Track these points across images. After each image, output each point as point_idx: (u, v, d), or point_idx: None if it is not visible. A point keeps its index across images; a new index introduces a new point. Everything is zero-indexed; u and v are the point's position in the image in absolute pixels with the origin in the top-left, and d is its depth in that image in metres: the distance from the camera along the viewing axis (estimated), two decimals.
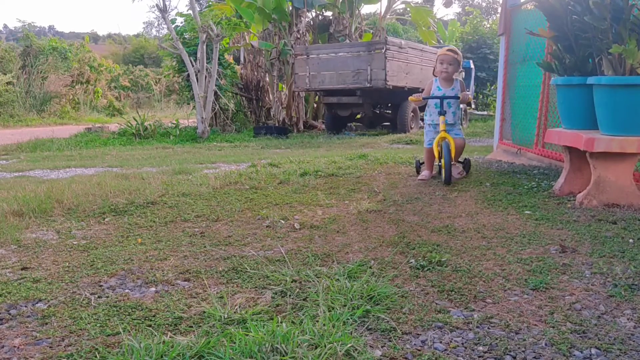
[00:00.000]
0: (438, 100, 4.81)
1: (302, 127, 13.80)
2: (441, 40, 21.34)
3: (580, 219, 3.30)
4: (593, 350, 1.68)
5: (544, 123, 5.22)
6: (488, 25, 22.76)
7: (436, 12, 25.02)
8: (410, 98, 4.84)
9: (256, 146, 9.75)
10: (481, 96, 21.43)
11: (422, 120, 15.28)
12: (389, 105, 13.16)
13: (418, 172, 5.10)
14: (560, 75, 3.86)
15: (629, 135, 3.34)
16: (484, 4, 46.72)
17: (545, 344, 1.72)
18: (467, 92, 4.95)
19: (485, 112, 18.24)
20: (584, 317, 1.93)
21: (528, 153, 5.74)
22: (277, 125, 13.07)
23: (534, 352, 1.67)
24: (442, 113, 4.71)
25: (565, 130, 3.89)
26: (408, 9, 17.12)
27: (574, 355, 1.66)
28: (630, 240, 2.82)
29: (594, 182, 3.54)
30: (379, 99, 12.35)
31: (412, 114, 12.31)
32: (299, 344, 1.64)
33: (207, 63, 11.29)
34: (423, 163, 5.22)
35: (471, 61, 16.97)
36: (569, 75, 3.76)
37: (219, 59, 12.01)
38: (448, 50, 4.87)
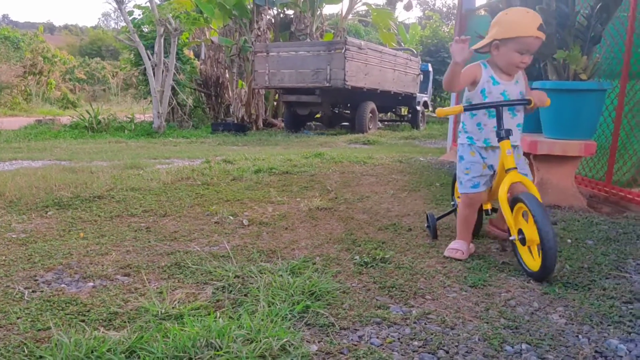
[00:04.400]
0: (511, 108, 2.58)
1: (261, 125, 13.73)
2: (402, 43, 21.60)
3: None
4: (524, 346, 1.72)
5: None
6: (447, 30, 23.17)
7: (397, 16, 25.33)
8: (438, 112, 2.50)
9: (213, 142, 9.64)
10: (439, 99, 21.82)
11: (381, 121, 15.53)
12: (348, 105, 13.24)
13: (435, 235, 2.95)
14: None
15: (571, 139, 3.44)
16: (444, 9, 47.56)
17: (478, 339, 1.76)
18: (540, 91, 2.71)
19: None
20: (518, 313, 1.98)
21: None
22: (235, 122, 12.96)
23: (467, 346, 1.71)
24: (503, 135, 2.46)
25: None
26: (370, 10, 17.25)
27: (505, 350, 1.70)
28: (569, 240, 2.91)
29: (537, 184, 3.64)
30: (338, 98, 12.40)
31: (370, 114, 12.41)
32: (235, 339, 1.62)
33: (164, 57, 11.09)
34: (446, 215, 3.17)
35: (429, 64, 17.24)
36: None
37: (177, 53, 11.82)
38: (540, 28, 2.41)
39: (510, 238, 2.41)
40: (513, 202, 2.40)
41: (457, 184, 2.82)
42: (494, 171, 2.63)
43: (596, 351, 1.70)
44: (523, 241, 2.33)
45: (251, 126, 13.36)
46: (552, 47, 3.41)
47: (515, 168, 2.43)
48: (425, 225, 3.07)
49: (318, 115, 13.32)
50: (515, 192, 2.43)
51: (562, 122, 3.44)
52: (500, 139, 2.47)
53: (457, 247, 2.64)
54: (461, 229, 2.72)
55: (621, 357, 1.67)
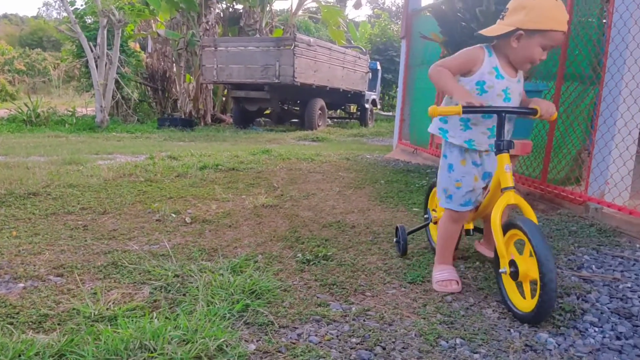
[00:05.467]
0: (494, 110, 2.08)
1: (209, 120, 13.54)
2: (352, 41, 21.74)
3: None
4: (458, 340, 1.76)
5: None
6: (396, 29, 23.48)
7: (347, 13, 25.50)
8: (432, 110, 2.03)
9: (158, 138, 9.44)
10: (387, 97, 22.11)
11: (331, 118, 15.59)
12: (297, 102, 13.23)
13: (405, 251, 2.62)
14: None
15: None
16: (393, 8, 48.13)
17: (415, 335, 1.79)
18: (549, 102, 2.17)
19: (390, 113, 18.83)
20: (454, 308, 2.03)
21: (423, 153, 5.97)
22: (183, 117, 12.73)
23: (403, 342, 1.74)
24: (504, 146, 2.04)
25: None
26: (320, 7, 17.27)
27: (440, 345, 1.73)
28: None
29: None
30: (287, 95, 12.37)
31: (319, 111, 12.45)
32: (170, 340, 1.59)
33: (108, 49, 10.77)
34: (418, 229, 2.79)
35: (378, 63, 17.43)
36: None
37: (122, 45, 11.50)
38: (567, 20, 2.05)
39: (500, 271, 2.00)
40: (506, 227, 2.01)
41: (437, 195, 2.37)
42: (489, 180, 2.24)
43: (526, 345, 1.76)
44: (514, 275, 1.94)
45: (199, 121, 13.17)
46: None
47: (514, 188, 2.01)
48: (394, 240, 2.71)
49: (267, 112, 13.26)
50: (520, 220, 1.97)
51: None
52: (499, 151, 2.04)
53: (447, 276, 2.23)
54: (444, 249, 2.32)
55: (550, 350, 1.74)
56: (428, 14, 5.98)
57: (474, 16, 3.52)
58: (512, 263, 1.96)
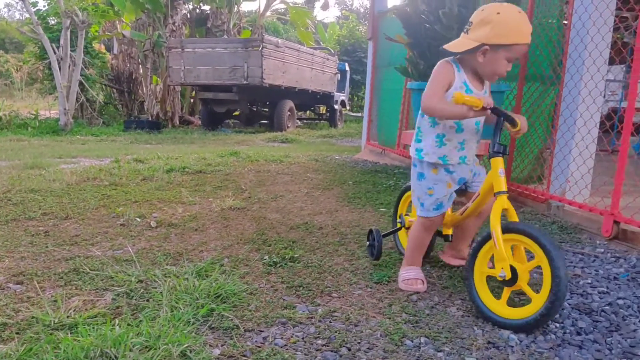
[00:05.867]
0: (478, 120, 2.20)
1: (177, 122, 13.39)
2: (320, 42, 21.79)
3: None
4: (422, 339, 1.78)
5: (405, 125, 5.50)
6: (364, 30, 23.62)
7: (316, 15, 25.57)
8: (457, 95, 1.98)
9: (124, 141, 9.29)
10: (356, 98, 22.22)
11: (300, 120, 15.60)
12: (267, 103, 13.20)
13: (379, 256, 2.52)
14: (415, 79, 4.07)
15: None
16: (361, 10, 48.38)
17: (380, 335, 1.80)
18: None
19: (359, 114, 18.94)
20: (419, 307, 2.04)
21: (391, 153, 6.02)
22: (150, 119, 12.56)
23: (369, 342, 1.74)
24: (500, 150, 2.06)
25: None
26: (288, 9, 17.25)
27: (405, 344, 1.75)
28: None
29: None
30: (255, 96, 12.33)
31: (288, 112, 12.44)
32: (131, 348, 1.56)
33: (71, 51, 10.55)
34: (389, 235, 2.69)
35: (347, 64, 17.51)
36: (423, 80, 3.97)
37: (86, 47, 11.29)
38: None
39: (500, 275, 1.92)
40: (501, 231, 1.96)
41: (413, 203, 2.37)
42: (465, 183, 2.27)
43: (489, 342, 1.78)
44: (511, 282, 1.93)
45: (166, 123, 13.01)
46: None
47: (507, 192, 2.01)
48: (367, 243, 2.62)
49: (236, 113, 13.19)
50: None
51: None
52: (494, 153, 2.04)
53: (413, 275, 2.26)
54: (414, 253, 2.33)
55: (512, 347, 1.77)
56: (394, 15, 6.03)
57: (437, 18, 3.57)
58: (511, 268, 1.92)
